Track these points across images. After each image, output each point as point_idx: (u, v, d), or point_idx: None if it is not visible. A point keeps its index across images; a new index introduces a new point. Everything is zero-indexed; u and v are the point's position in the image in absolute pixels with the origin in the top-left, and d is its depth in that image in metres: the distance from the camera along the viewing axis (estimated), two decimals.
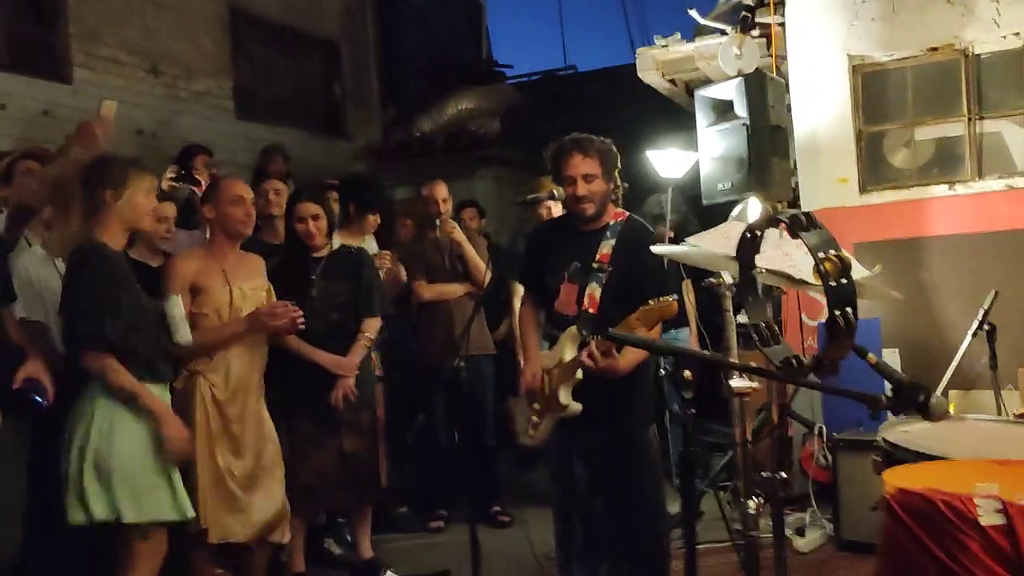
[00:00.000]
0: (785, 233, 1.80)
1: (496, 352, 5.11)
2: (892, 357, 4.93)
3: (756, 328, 1.79)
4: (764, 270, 1.93)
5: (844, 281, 1.55)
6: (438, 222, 4.87)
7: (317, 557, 4.27)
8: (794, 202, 5.45)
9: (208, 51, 7.93)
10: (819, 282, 1.57)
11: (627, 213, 3.27)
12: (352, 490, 4.00)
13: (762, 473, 2.03)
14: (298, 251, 4.03)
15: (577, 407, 2.99)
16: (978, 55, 5.05)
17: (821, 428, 4.69)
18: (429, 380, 4.73)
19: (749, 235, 1.76)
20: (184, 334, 3.27)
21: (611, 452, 3.12)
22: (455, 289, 4.90)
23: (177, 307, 3.29)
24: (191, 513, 3.08)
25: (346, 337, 3.96)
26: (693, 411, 1.70)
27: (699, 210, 5.32)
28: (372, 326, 4.04)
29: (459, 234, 4.87)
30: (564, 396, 3.00)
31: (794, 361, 1.70)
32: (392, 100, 9.96)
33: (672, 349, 1.69)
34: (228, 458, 3.35)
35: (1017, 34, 4.93)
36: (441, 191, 4.92)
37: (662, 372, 4.31)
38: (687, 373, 1.71)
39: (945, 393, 4.29)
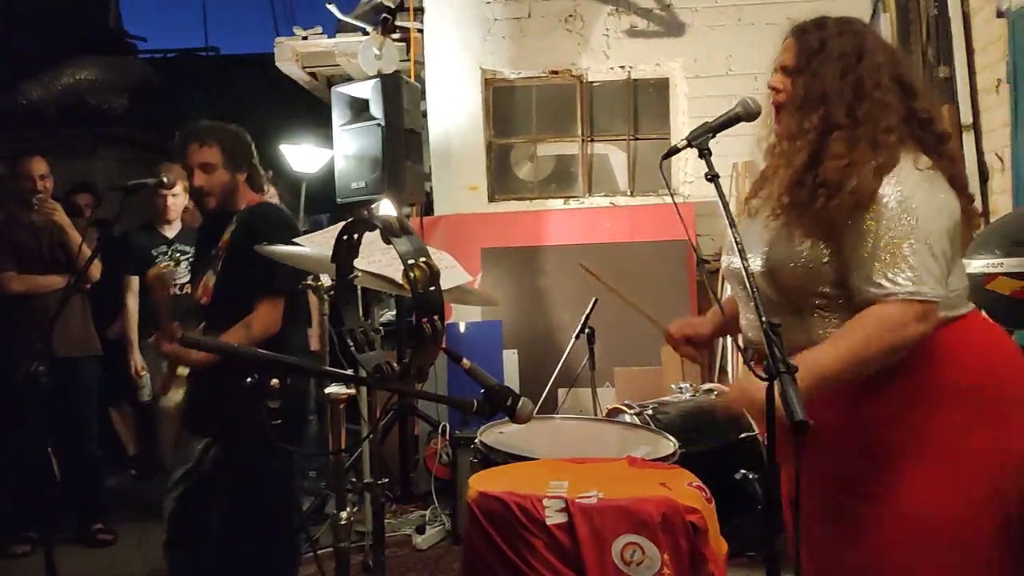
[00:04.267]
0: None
1: (104, 353, 4.59)
2: (512, 357, 5.26)
3: (351, 334, 1.73)
4: (363, 273, 1.88)
5: (432, 289, 1.54)
6: (34, 202, 4.26)
7: None
8: (428, 206, 5.60)
9: None
10: (408, 288, 1.55)
11: (261, 199, 3.09)
12: None
13: (362, 480, 1.98)
14: None
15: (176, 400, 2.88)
16: (591, 82, 5.57)
17: (445, 426, 4.84)
18: (12, 386, 4.13)
19: (345, 238, 1.69)
20: None
21: (221, 452, 2.88)
22: (52, 281, 4.31)
23: None
24: None
25: None
26: (279, 421, 1.59)
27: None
28: None
29: (61, 217, 4.29)
30: (174, 392, 2.89)
31: (385, 368, 1.67)
32: None
33: (254, 355, 1.56)
34: None
35: (623, 67, 5.51)
36: (38, 166, 4.34)
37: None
38: (274, 381, 1.59)
39: (553, 391, 4.65)
